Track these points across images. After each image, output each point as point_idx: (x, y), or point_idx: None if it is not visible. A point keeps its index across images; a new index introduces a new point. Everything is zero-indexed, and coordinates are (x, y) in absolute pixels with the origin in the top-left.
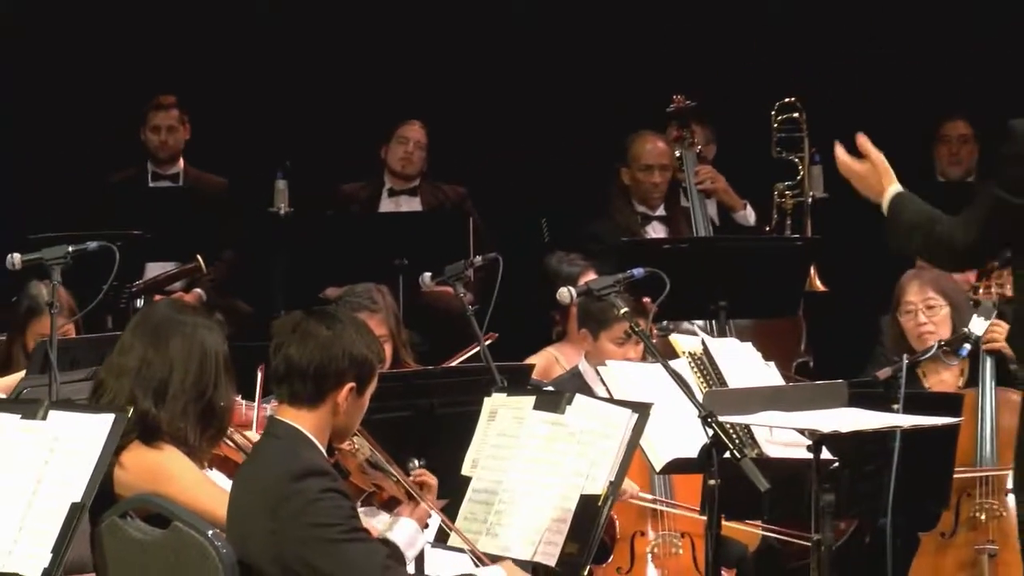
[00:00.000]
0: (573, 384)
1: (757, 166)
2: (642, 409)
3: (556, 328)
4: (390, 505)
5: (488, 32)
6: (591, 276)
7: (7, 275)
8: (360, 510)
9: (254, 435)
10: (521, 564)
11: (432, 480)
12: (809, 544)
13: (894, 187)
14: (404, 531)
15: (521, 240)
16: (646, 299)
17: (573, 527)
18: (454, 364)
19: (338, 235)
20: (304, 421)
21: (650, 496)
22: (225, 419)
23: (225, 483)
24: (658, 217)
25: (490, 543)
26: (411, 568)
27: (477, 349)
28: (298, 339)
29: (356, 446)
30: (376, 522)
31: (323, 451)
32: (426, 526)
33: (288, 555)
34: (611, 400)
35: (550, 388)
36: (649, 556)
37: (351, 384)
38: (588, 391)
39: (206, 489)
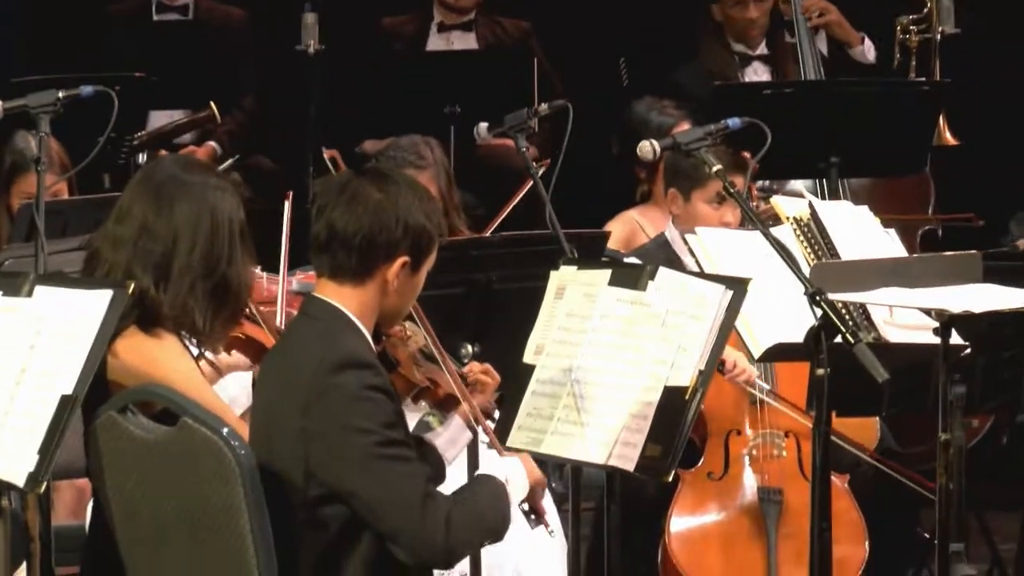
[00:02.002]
0: (659, 255)
1: None
2: (738, 285)
3: (641, 188)
4: (446, 404)
5: None
6: (687, 128)
7: None
8: (406, 406)
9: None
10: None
11: (490, 380)
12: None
13: None
14: (448, 428)
15: (595, 85)
16: (745, 154)
17: (655, 425)
18: (506, 232)
19: (378, 78)
20: (347, 300)
21: (767, 386)
22: (241, 298)
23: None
24: (759, 57)
25: (557, 444)
26: (457, 472)
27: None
28: (345, 202)
29: (409, 332)
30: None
31: (368, 338)
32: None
33: (314, 461)
34: (701, 274)
35: (631, 259)
36: (746, 459)
37: (404, 258)
38: (676, 263)
39: (204, 395)
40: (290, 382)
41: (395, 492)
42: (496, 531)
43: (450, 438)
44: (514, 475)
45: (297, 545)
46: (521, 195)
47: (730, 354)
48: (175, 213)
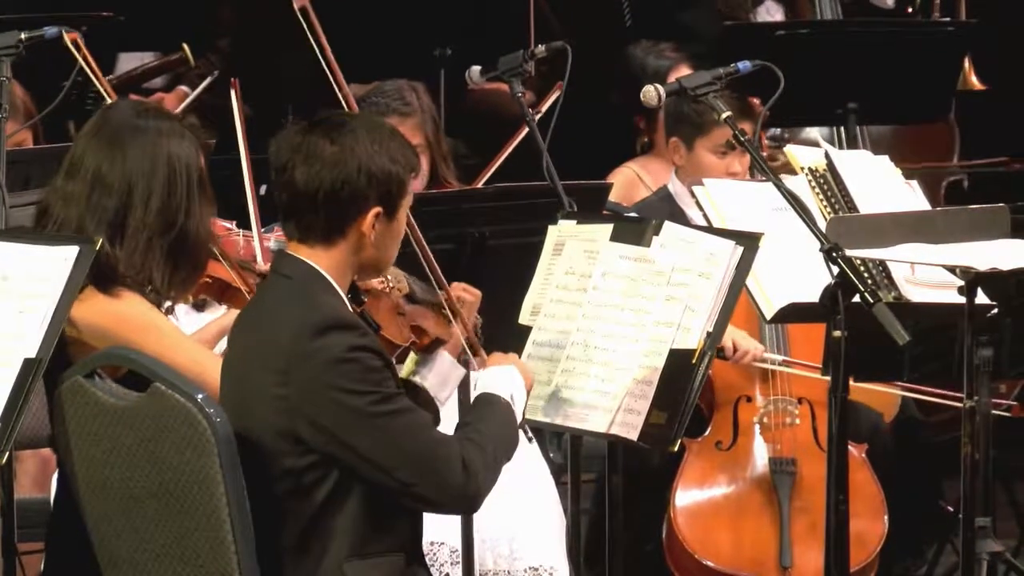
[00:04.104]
0: (661, 208)
1: None
2: (749, 241)
3: (641, 139)
4: (431, 349)
5: None
6: (685, 72)
7: None
8: None
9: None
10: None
11: (470, 296)
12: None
13: None
14: (436, 369)
15: (596, 25)
16: (755, 99)
17: (660, 391)
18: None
19: (361, 17)
20: (320, 259)
21: (779, 357)
22: (201, 253)
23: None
24: None
25: (554, 412)
26: (450, 412)
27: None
28: (302, 161)
29: (392, 281)
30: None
31: (344, 298)
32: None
33: (304, 429)
34: (710, 229)
35: (632, 214)
36: (757, 427)
37: (376, 208)
38: (680, 218)
39: (187, 349)
40: (266, 346)
41: (404, 446)
42: (509, 453)
43: (441, 379)
44: (517, 390)
45: (278, 517)
46: (515, 143)
47: (729, 335)
48: (127, 161)
